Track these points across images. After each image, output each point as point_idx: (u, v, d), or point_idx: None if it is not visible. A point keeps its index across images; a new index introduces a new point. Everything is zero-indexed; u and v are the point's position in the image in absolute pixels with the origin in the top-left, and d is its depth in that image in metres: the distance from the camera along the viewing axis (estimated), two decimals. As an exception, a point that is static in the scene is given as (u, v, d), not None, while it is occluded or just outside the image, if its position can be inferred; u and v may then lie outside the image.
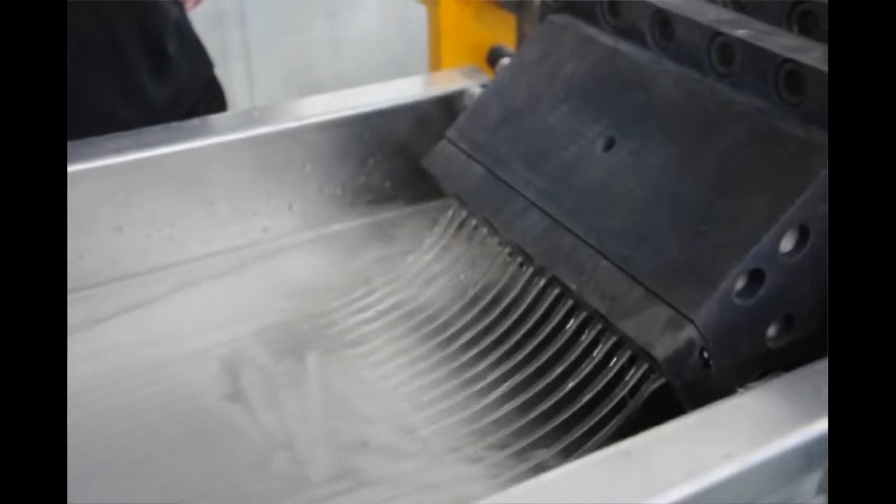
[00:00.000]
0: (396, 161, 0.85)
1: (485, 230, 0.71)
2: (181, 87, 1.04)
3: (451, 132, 0.76)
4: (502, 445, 0.60)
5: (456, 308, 0.70)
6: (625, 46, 0.69)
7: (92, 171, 0.74)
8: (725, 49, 0.62)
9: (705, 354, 0.54)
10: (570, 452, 0.57)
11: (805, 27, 0.63)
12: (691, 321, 0.53)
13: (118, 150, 0.76)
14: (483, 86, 0.84)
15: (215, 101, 1.10)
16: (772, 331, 0.56)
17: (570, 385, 0.60)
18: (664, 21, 0.67)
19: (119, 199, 0.76)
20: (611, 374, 0.58)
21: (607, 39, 0.70)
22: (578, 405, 0.59)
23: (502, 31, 1.28)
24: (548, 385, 0.61)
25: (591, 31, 0.72)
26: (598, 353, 0.59)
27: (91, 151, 0.75)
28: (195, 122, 0.82)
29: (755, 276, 0.54)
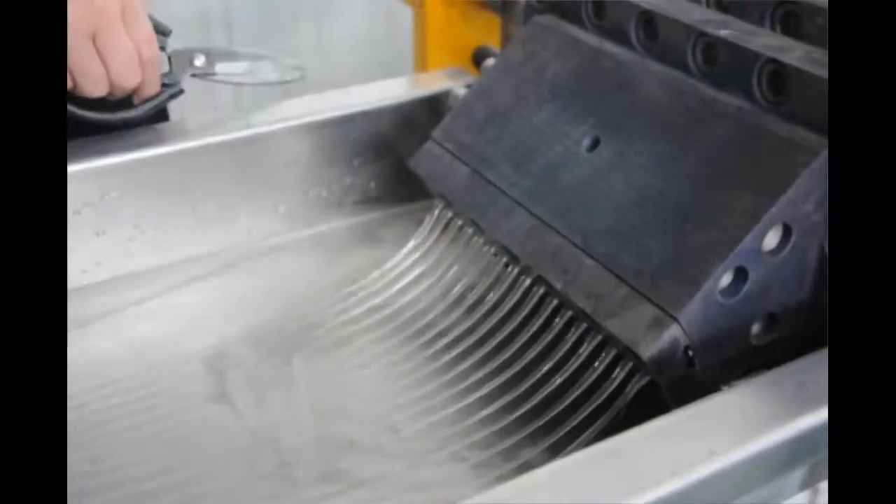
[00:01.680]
0: (382, 162, 0.85)
1: (470, 230, 0.71)
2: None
3: (436, 133, 0.76)
4: (488, 444, 0.60)
5: (442, 308, 0.70)
6: (609, 47, 0.69)
7: (75, 174, 0.74)
8: (709, 49, 0.63)
9: (690, 353, 0.54)
10: (556, 451, 0.57)
11: (788, 27, 0.63)
12: (675, 320, 0.54)
13: (102, 153, 0.75)
14: (468, 86, 0.84)
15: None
16: (756, 329, 0.57)
17: (556, 384, 0.60)
18: (649, 21, 0.67)
19: (102, 201, 0.75)
20: (596, 373, 0.58)
21: (592, 40, 0.70)
22: (564, 404, 0.59)
23: (487, 32, 1.28)
24: (533, 384, 0.61)
25: (576, 31, 0.72)
26: (583, 351, 0.59)
27: (74, 154, 0.74)
28: (179, 123, 0.82)
29: (739, 275, 0.55)
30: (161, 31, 0.75)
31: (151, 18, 0.75)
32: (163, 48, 0.76)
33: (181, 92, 0.78)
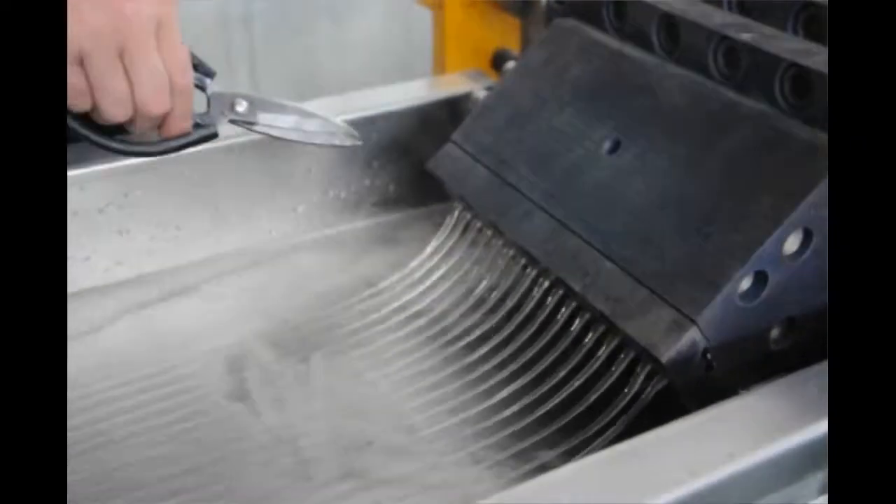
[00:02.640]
0: (401, 164, 0.85)
1: (490, 232, 0.71)
2: None
3: (456, 135, 0.76)
4: (506, 446, 0.60)
5: (461, 309, 0.70)
6: (630, 50, 0.69)
7: (98, 174, 0.75)
8: (731, 53, 0.63)
9: (708, 356, 0.54)
10: (574, 453, 0.58)
11: (811, 31, 0.63)
12: (694, 323, 0.54)
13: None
14: (488, 89, 0.84)
15: None
16: (774, 332, 0.56)
17: (575, 386, 0.60)
18: (670, 25, 0.67)
19: (125, 201, 0.76)
20: (615, 376, 0.58)
21: (613, 43, 0.71)
22: (583, 406, 0.59)
23: (507, 34, 1.28)
24: (552, 386, 0.61)
25: (597, 34, 0.72)
26: (602, 354, 0.60)
27: (98, 153, 0.75)
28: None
29: (759, 278, 0.54)
30: (203, 72, 0.69)
31: (195, 57, 0.68)
32: (203, 88, 0.70)
33: (214, 135, 0.71)
